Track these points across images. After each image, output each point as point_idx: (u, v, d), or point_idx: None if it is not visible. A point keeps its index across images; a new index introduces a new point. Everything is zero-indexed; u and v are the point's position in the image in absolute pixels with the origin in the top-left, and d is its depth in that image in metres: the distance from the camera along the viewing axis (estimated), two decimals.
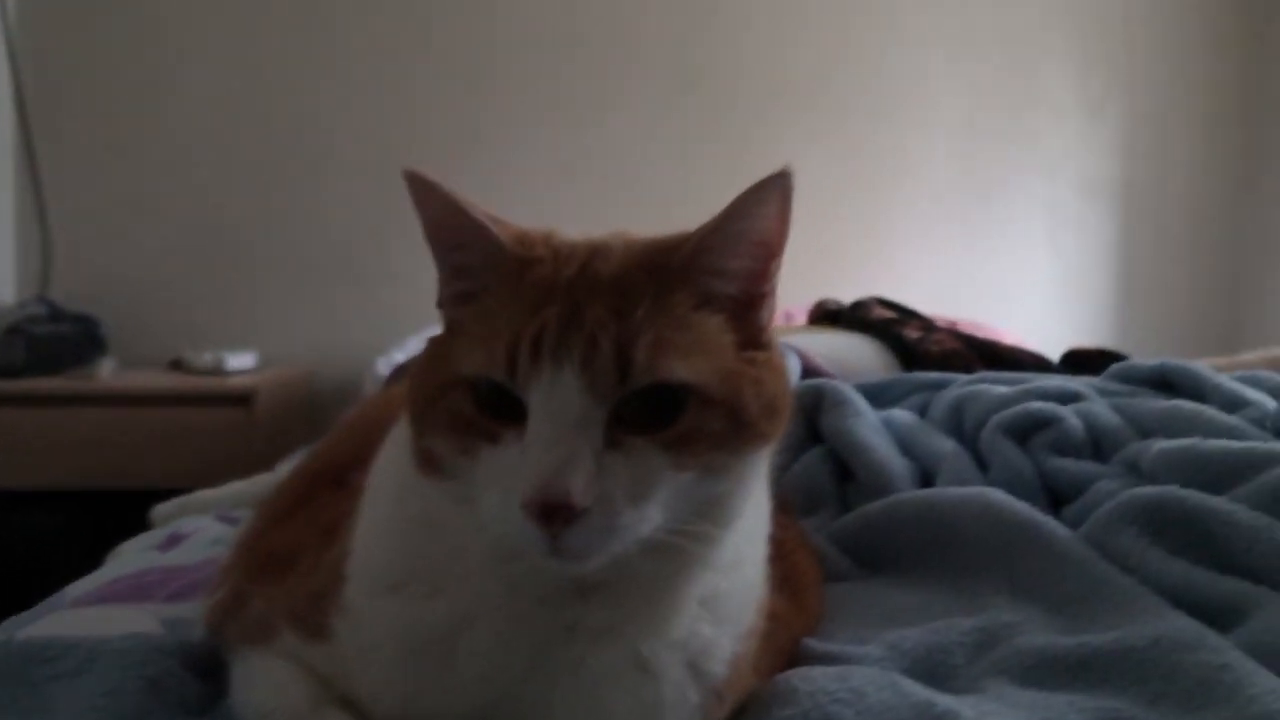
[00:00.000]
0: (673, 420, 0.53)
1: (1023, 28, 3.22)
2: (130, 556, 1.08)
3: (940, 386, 1.34)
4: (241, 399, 2.31)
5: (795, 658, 0.73)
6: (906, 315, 1.99)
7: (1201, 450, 0.84)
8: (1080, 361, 1.75)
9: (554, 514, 0.49)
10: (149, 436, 2.23)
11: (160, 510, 1.27)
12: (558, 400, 0.51)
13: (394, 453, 0.64)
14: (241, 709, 0.63)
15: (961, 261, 3.24)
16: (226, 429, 2.27)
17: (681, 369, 0.53)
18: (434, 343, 0.60)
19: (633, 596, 0.58)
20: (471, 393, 0.54)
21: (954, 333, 1.83)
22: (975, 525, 0.88)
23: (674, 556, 0.55)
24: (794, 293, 1.42)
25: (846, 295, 2.20)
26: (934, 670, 0.71)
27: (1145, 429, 1.00)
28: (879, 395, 1.31)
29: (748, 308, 0.58)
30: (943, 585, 0.87)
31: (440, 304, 0.60)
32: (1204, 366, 1.12)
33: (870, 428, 1.12)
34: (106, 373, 2.38)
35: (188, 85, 2.76)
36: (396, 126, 2.82)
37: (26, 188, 2.67)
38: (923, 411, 1.26)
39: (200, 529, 1.15)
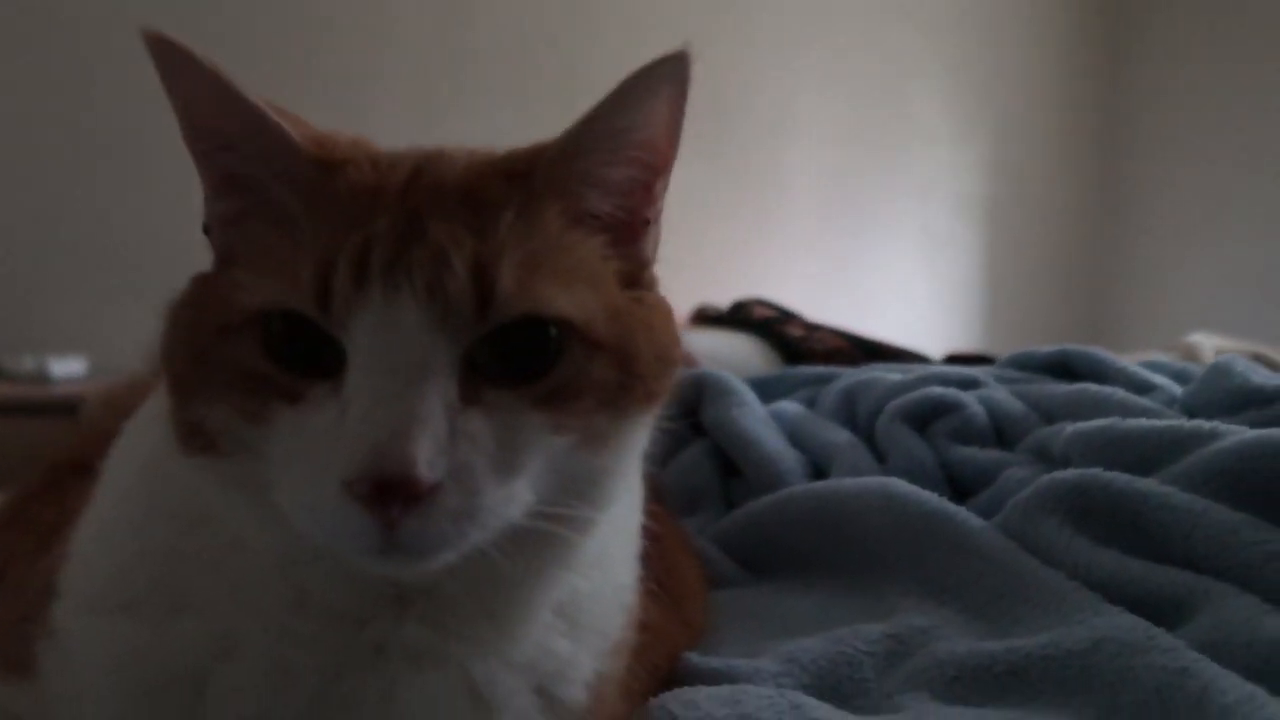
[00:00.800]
0: (548, 368, 0.40)
1: (896, 52, 3.24)
2: None
3: (827, 380, 1.24)
4: (68, 408, 2.02)
5: (673, 677, 0.60)
6: (788, 315, 1.91)
7: (1121, 430, 0.75)
8: (960, 364, 1.70)
9: (391, 494, 0.35)
10: None
11: None
12: (392, 338, 0.37)
13: (141, 429, 0.48)
14: None
15: (838, 274, 3.22)
16: (51, 442, 1.98)
17: (561, 299, 0.40)
18: (199, 281, 0.44)
19: (466, 604, 0.44)
20: (260, 336, 0.39)
21: (837, 331, 1.75)
22: (877, 518, 0.77)
23: (540, 549, 0.42)
24: (673, 299, 1.31)
25: (725, 303, 2.11)
26: (840, 686, 0.59)
27: (1051, 414, 0.92)
28: (764, 390, 1.20)
29: (630, 235, 0.46)
30: (842, 587, 0.76)
31: (206, 228, 0.45)
32: (1104, 351, 1.05)
33: (757, 419, 1.01)
34: None
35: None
36: None
37: None
38: (811, 405, 1.15)
39: None
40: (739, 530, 0.88)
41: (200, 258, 0.45)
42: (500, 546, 0.39)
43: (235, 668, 0.42)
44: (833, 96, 3.15)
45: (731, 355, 1.59)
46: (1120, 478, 0.68)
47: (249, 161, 0.42)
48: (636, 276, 0.46)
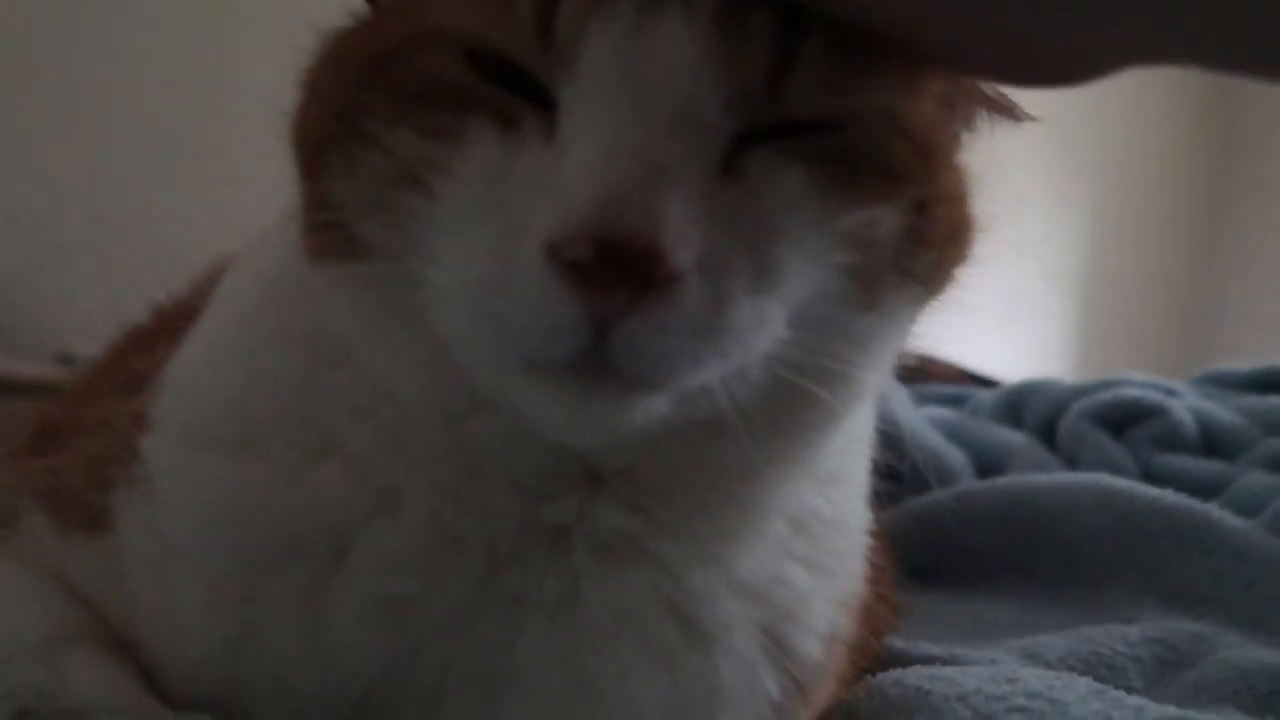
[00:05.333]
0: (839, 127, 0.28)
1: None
2: None
3: (963, 400, 1.11)
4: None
5: (882, 662, 0.47)
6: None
7: None
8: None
9: (620, 265, 0.23)
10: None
11: None
12: (646, 67, 0.26)
13: (260, 247, 0.37)
14: None
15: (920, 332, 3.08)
16: None
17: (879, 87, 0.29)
18: (343, 33, 0.32)
19: (681, 488, 0.32)
20: (462, 54, 0.28)
21: (953, 365, 1.62)
22: (1091, 518, 0.63)
23: (786, 414, 0.30)
24: None
25: None
26: None
27: (1275, 426, 0.78)
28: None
29: None
30: (1046, 593, 0.62)
31: None
32: None
33: (913, 412, 0.88)
34: None
35: None
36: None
37: None
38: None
39: None
40: (899, 530, 0.74)
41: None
42: (737, 401, 0.28)
43: (393, 531, 0.31)
44: None
45: None
46: None
47: None
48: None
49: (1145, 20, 0.24)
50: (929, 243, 0.30)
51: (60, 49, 2.44)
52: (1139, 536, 0.61)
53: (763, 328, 0.27)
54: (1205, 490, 0.72)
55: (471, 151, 0.26)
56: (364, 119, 0.28)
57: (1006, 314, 3.18)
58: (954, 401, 1.12)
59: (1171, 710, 0.35)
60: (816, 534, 0.36)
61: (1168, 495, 0.62)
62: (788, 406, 0.29)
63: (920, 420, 0.87)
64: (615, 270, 0.23)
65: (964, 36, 0.28)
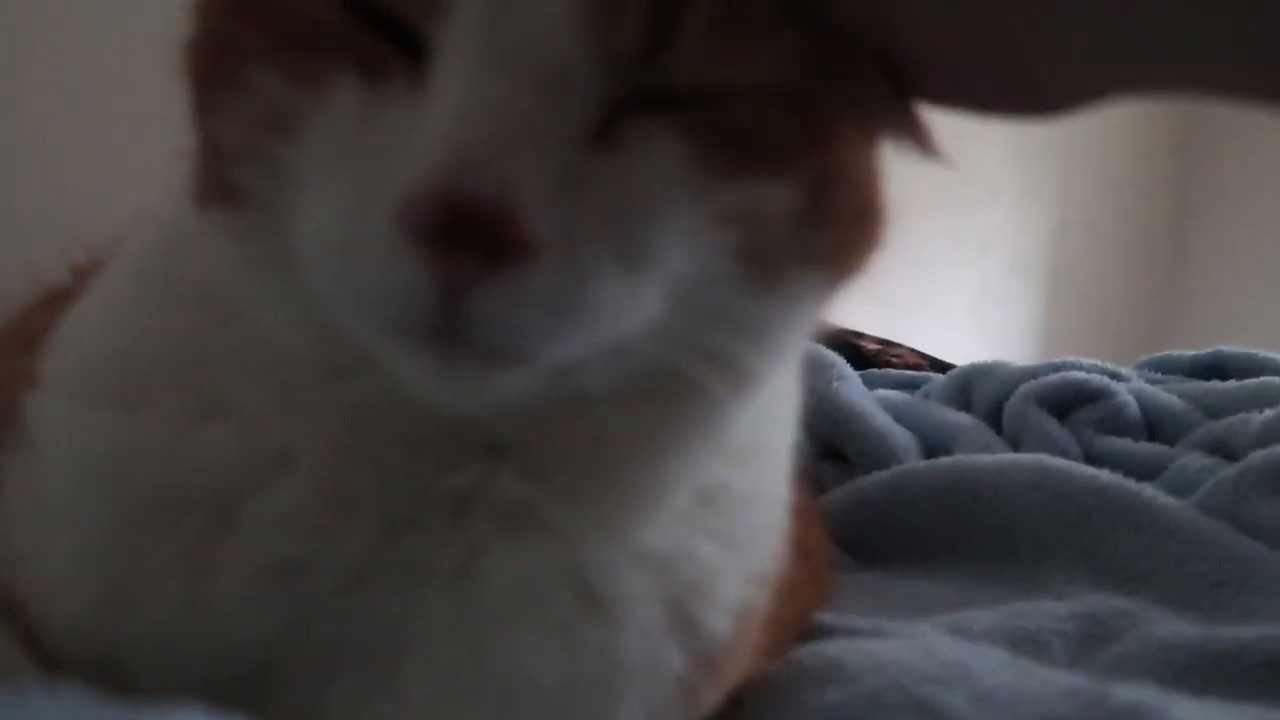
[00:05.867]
0: (722, 97, 0.26)
1: None
2: None
3: (917, 385, 1.11)
4: None
5: (808, 636, 0.46)
6: (858, 332, 1.79)
7: None
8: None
9: (467, 228, 0.22)
10: None
11: None
12: (523, 22, 0.24)
13: (158, 205, 0.36)
14: None
15: (884, 323, 3.07)
16: None
17: (765, 57, 0.26)
18: None
19: (578, 460, 0.31)
20: None
21: (915, 351, 1.62)
22: (1029, 495, 0.64)
23: (671, 401, 0.29)
24: None
25: None
26: None
27: (1217, 410, 0.79)
28: None
29: None
30: (984, 572, 0.63)
31: None
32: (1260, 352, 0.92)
33: (861, 393, 0.88)
34: None
35: None
36: None
37: None
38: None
39: None
40: (843, 510, 0.75)
41: None
42: (616, 379, 0.27)
43: (284, 493, 0.30)
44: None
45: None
46: None
47: None
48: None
49: (1173, 42, 0.23)
50: (828, 224, 0.28)
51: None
52: (1073, 514, 0.61)
53: (632, 306, 0.25)
54: (1145, 472, 0.73)
55: (334, 100, 0.25)
56: (237, 54, 0.27)
57: (972, 302, 3.20)
58: (910, 386, 1.12)
59: (1082, 680, 0.35)
60: (727, 509, 0.35)
61: (1103, 475, 0.62)
62: (672, 388, 0.28)
63: (870, 401, 0.87)
64: (463, 236, 0.22)
65: (951, 54, 0.26)
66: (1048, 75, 0.26)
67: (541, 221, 0.22)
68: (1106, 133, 3.33)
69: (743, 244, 0.26)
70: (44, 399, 0.32)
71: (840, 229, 0.29)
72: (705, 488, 0.34)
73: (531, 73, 0.23)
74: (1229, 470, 0.59)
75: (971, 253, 3.32)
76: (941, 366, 1.58)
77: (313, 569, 0.30)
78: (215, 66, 0.27)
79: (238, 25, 0.27)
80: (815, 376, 0.91)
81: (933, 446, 0.83)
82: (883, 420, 0.83)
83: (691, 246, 0.25)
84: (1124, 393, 0.81)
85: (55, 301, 0.44)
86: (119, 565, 0.30)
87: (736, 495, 0.36)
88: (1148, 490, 0.60)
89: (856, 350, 1.57)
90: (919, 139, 0.30)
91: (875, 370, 1.23)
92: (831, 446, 0.86)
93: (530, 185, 0.22)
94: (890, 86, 0.29)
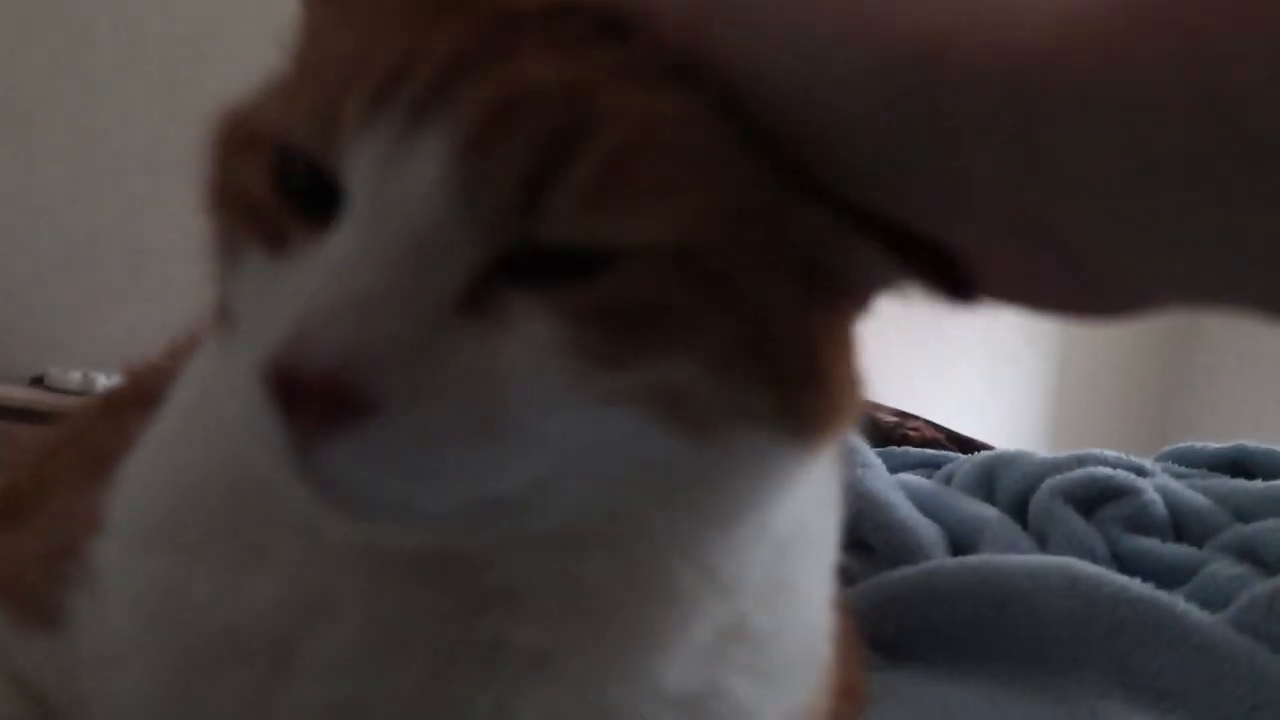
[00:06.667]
0: (601, 271, 0.25)
1: None
2: None
3: (938, 465, 1.11)
4: None
5: None
6: (874, 403, 1.79)
7: None
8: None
9: (297, 393, 0.23)
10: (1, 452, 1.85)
11: None
12: (399, 185, 0.25)
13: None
14: None
15: (892, 378, 3.06)
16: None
17: (649, 220, 0.25)
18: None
19: (585, 601, 0.32)
20: (269, 164, 0.28)
21: (930, 423, 1.63)
22: (1058, 602, 0.64)
23: (614, 553, 0.30)
24: None
25: None
26: None
27: (1244, 512, 0.78)
28: None
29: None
30: (1014, 678, 0.62)
31: None
32: None
33: (886, 482, 0.88)
34: None
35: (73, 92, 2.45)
36: None
37: None
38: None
39: None
40: (871, 606, 0.75)
41: None
42: (584, 531, 0.28)
43: (333, 637, 0.30)
44: None
45: None
46: None
47: None
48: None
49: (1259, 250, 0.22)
50: (762, 387, 0.27)
51: (36, 73, 2.44)
52: (1105, 625, 0.61)
53: (496, 468, 0.25)
54: (1173, 576, 0.73)
55: (242, 273, 0.28)
56: (211, 198, 0.30)
57: (985, 361, 3.19)
58: (931, 465, 1.12)
59: None
60: (759, 644, 0.35)
61: (1135, 584, 0.62)
62: (629, 536, 0.29)
63: (894, 490, 0.87)
64: (294, 393, 0.23)
65: (1010, 251, 0.25)
66: (1111, 281, 0.25)
67: (382, 386, 0.23)
68: None
69: (650, 412, 0.26)
70: (107, 545, 0.33)
71: (785, 390, 0.27)
72: (730, 623, 0.34)
73: (399, 234, 0.24)
74: (1262, 587, 0.59)
75: (983, 311, 3.34)
76: (959, 440, 1.58)
77: (366, 710, 0.30)
78: (207, 200, 0.31)
79: (214, 176, 0.30)
80: (840, 464, 0.91)
81: (958, 539, 0.83)
82: (908, 511, 0.83)
83: (579, 418, 0.25)
84: (1150, 490, 0.81)
85: (112, 412, 0.45)
86: (181, 709, 0.30)
87: (766, 630, 0.36)
88: (1181, 604, 0.60)
89: (872, 422, 1.58)
90: (936, 290, 0.29)
91: (895, 449, 1.23)
92: (857, 536, 0.86)
93: (372, 350, 0.23)
94: (890, 256, 0.27)
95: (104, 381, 2.13)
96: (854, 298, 0.30)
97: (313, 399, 0.23)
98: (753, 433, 0.27)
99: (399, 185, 0.24)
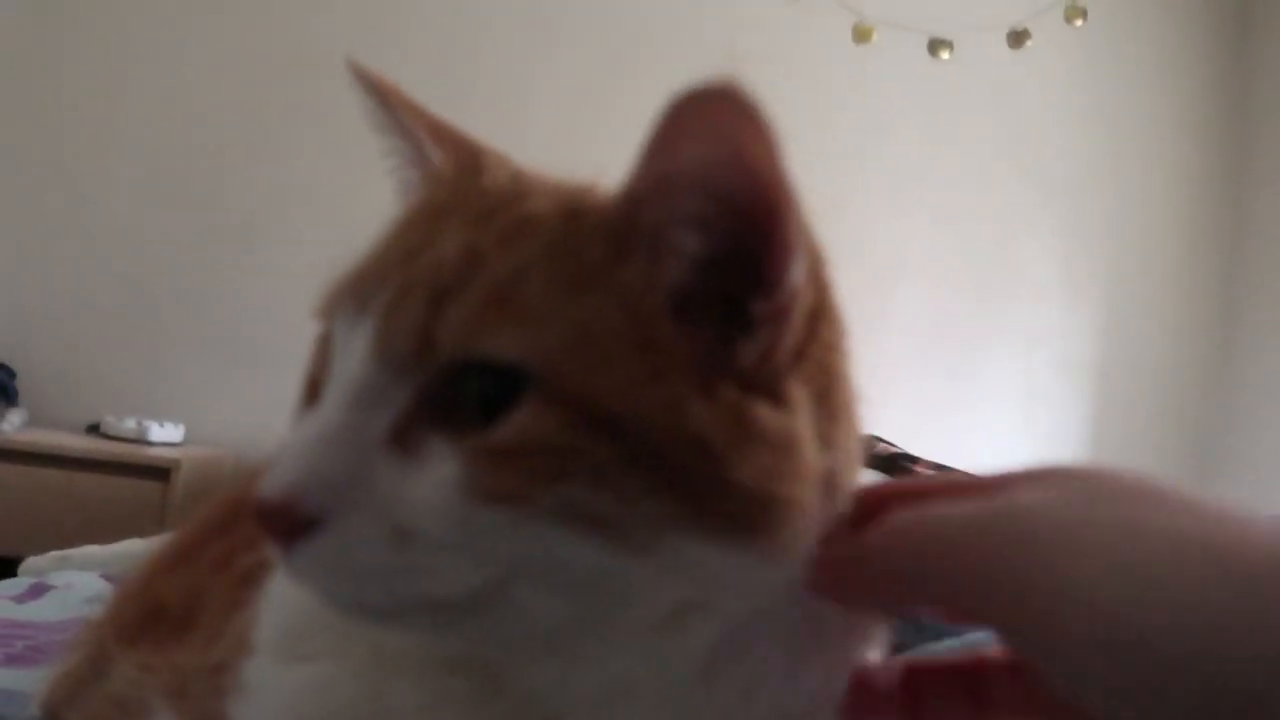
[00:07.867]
0: (491, 418, 0.31)
1: (1008, 207, 3.19)
2: None
3: None
4: (161, 472, 2.06)
5: None
6: (912, 456, 1.82)
7: None
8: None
9: (269, 516, 0.31)
10: (56, 500, 1.97)
11: (32, 563, 1.00)
12: (345, 363, 0.34)
13: None
14: None
15: (932, 419, 3.05)
16: (141, 501, 2.02)
17: (510, 340, 0.31)
18: None
19: (612, 705, 0.35)
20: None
21: (935, 463, 1.66)
22: None
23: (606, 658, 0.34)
24: None
25: None
26: None
27: None
28: None
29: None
30: None
31: None
32: None
33: None
34: (12, 427, 2.09)
35: (125, 139, 2.55)
36: (341, 203, 2.64)
37: None
38: None
39: (75, 583, 0.89)
40: None
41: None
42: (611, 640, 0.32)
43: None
44: (944, 245, 3.09)
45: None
46: None
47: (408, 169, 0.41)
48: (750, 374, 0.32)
49: None
50: (658, 494, 0.30)
51: (57, 125, 2.54)
52: None
53: (425, 573, 0.30)
54: None
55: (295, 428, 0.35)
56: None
57: (1020, 401, 3.17)
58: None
59: None
60: None
61: None
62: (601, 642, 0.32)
63: None
64: (265, 519, 0.31)
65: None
66: None
67: (322, 507, 0.30)
68: (1151, 233, 3.36)
69: (571, 529, 0.30)
70: (257, 663, 0.38)
71: (691, 495, 0.30)
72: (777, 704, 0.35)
73: (344, 392, 0.32)
74: None
75: (1019, 351, 3.34)
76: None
77: None
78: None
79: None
80: None
81: None
82: None
83: (493, 535, 0.30)
84: None
85: (233, 518, 0.51)
86: None
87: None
88: None
89: (911, 476, 1.61)
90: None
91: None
92: None
93: (315, 481, 0.30)
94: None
95: (157, 430, 2.22)
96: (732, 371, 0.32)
97: (277, 519, 0.30)
98: (684, 542, 0.30)
99: (349, 358, 0.33)
